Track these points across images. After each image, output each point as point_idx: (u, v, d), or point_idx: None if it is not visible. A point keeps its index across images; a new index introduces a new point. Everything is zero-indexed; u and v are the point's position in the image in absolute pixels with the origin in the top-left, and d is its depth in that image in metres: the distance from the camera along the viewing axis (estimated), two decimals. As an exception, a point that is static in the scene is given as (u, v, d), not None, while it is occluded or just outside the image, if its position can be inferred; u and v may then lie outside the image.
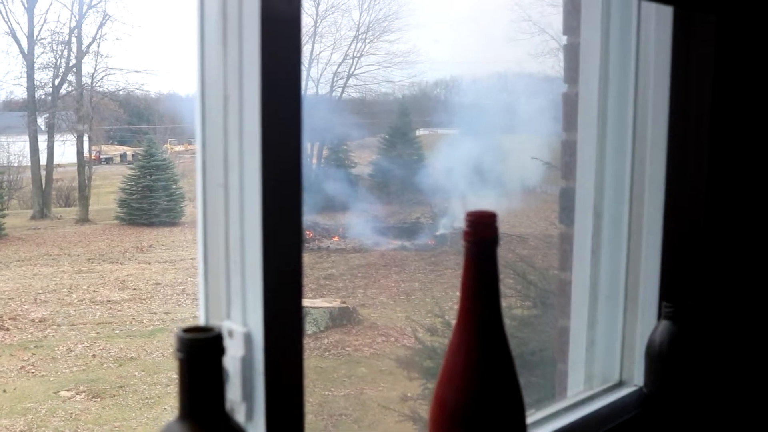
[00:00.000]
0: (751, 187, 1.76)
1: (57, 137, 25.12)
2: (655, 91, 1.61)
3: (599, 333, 1.70)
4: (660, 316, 1.54)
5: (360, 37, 24.64)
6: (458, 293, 1.04)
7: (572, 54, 1.78)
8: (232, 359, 0.96)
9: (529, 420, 1.46)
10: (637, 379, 1.66)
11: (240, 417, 0.97)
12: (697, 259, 1.65)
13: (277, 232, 0.95)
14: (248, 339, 0.95)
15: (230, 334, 0.97)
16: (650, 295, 1.65)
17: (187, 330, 0.82)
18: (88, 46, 25.46)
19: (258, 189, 0.92)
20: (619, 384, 1.68)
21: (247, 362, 0.96)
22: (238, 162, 0.94)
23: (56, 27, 29.92)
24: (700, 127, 1.61)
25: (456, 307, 1.04)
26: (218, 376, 0.82)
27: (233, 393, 0.96)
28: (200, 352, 0.81)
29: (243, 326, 0.96)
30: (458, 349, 1.03)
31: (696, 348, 1.51)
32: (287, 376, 0.97)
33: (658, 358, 1.53)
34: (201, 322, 1.01)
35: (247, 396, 0.96)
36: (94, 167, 25.73)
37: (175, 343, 0.81)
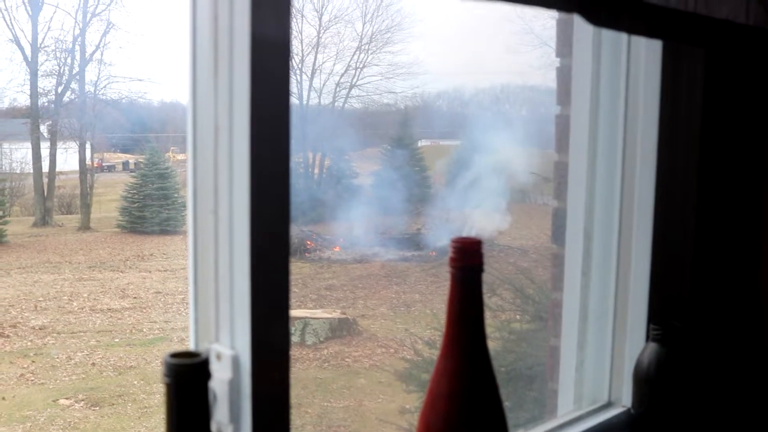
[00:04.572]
0: (738, 210, 1.78)
1: (59, 145, 25.18)
2: (644, 116, 1.64)
3: (589, 353, 1.72)
4: (648, 338, 1.56)
5: (363, 47, 24.72)
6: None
7: (564, 76, 1.80)
8: (219, 382, 0.98)
9: (518, 439, 1.48)
10: (625, 400, 1.68)
11: (227, 439, 0.99)
12: (685, 282, 1.67)
13: (266, 258, 0.97)
14: (236, 362, 0.97)
15: (218, 357, 0.99)
16: (638, 316, 1.67)
17: (175, 355, 0.84)
18: (92, 54, 25.59)
19: (247, 216, 0.95)
20: (608, 405, 1.70)
21: (234, 385, 0.98)
22: (228, 190, 0.97)
23: (60, 35, 29.96)
24: (688, 152, 1.63)
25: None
26: (204, 400, 0.85)
27: (221, 415, 0.98)
28: (187, 377, 0.83)
29: (231, 349, 0.98)
30: (443, 374, 1.05)
31: (683, 370, 1.52)
32: (274, 399, 0.99)
33: (645, 380, 1.54)
34: (191, 344, 1.03)
35: (234, 418, 0.98)
36: (96, 175, 25.80)
37: (163, 368, 0.83)
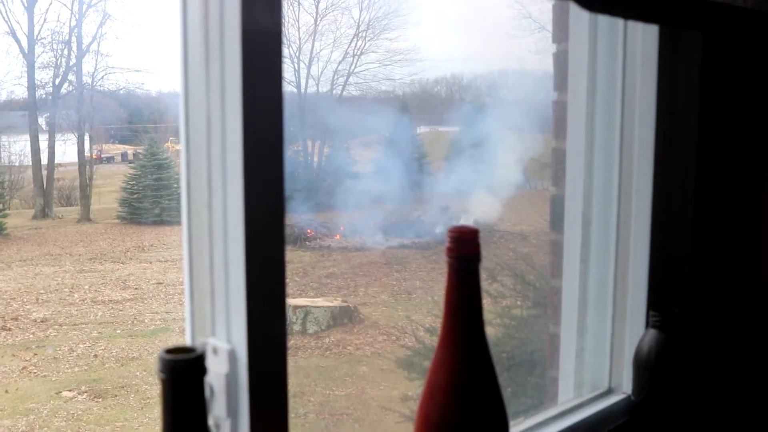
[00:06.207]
0: (737, 195, 1.77)
1: (58, 136, 25.12)
2: (642, 101, 1.63)
3: (588, 340, 1.71)
4: (647, 325, 1.55)
5: (360, 35, 24.60)
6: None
7: (561, 62, 1.79)
8: (216, 376, 0.97)
9: (519, 427, 1.48)
10: (625, 386, 1.67)
11: (225, 433, 0.98)
12: (684, 268, 1.66)
13: (261, 251, 0.96)
14: (232, 356, 0.97)
15: (215, 351, 0.98)
16: (638, 303, 1.66)
17: (170, 350, 0.83)
18: (89, 46, 25.47)
19: (241, 208, 0.94)
20: (608, 392, 1.69)
21: (231, 379, 0.97)
22: (222, 182, 0.96)
23: (56, 26, 29.97)
24: (686, 137, 1.62)
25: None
26: (200, 396, 0.84)
27: (218, 409, 0.98)
28: (182, 372, 0.82)
29: (227, 343, 0.98)
30: (441, 365, 1.04)
31: (683, 356, 1.52)
32: (271, 393, 0.99)
33: (645, 366, 1.54)
34: (187, 339, 1.03)
35: (232, 412, 0.98)
36: (95, 166, 25.74)
37: (157, 363, 0.83)
